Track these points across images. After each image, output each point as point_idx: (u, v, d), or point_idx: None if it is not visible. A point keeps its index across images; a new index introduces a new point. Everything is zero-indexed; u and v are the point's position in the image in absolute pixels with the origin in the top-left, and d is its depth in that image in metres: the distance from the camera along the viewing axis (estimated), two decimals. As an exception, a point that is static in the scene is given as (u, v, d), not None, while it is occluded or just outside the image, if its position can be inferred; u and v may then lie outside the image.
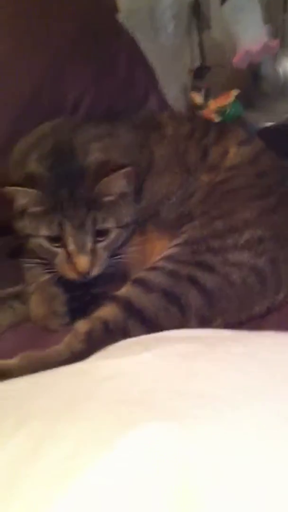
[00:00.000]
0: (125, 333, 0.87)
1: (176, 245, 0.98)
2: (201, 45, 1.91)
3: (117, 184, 0.99)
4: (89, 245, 0.97)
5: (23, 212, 0.99)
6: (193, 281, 0.91)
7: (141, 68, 1.50)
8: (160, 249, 1.02)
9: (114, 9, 1.54)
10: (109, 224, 0.99)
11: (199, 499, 0.44)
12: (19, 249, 1.06)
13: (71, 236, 0.96)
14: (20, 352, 0.88)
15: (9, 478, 0.49)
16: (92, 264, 0.97)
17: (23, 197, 0.98)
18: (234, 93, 1.67)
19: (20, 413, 0.57)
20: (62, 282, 1.02)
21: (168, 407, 0.55)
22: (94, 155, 1.02)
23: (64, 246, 0.97)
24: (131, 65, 1.45)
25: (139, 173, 1.09)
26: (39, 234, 0.98)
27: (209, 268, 0.92)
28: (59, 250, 0.98)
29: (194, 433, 0.50)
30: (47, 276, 1.01)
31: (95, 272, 0.98)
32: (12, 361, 0.86)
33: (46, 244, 0.98)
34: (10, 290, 1.06)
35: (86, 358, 0.82)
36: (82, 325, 0.89)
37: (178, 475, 0.46)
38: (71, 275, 0.98)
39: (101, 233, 0.98)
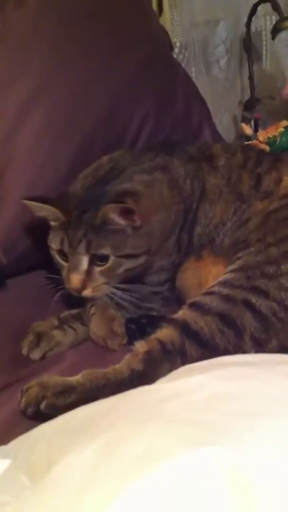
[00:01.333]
0: (182, 354, 0.91)
1: (231, 271, 1.00)
2: (251, 78, 1.95)
3: (113, 216, 1.04)
4: (82, 266, 1.05)
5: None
6: (248, 305, 0.94)
7: (195, 101, 1.55)
8: (216, 274, 1.05)
9: (170, 45, 1.60)
10: (104, 251, 1.05)
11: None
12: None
13: (69, 254, 1.06)
14: (81, 370, 0.91)
15: (84, 475, 0.53)
16: (84, 284, 1.05)
17: (39, 210, 1.09)
18: (284, 124, 1.70)
19: (97, 427, 0.63)
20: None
21: (223, 429, 0.57)
22: (128, 185, 1.09)
23: (67, 261, 1.07)
24: (187, 98, 1.51)
25: (191, 204, 1.16)
26: (51, 246, 1.09)
27: (264, 293, 0.95)
28: (64, 264, 1.08)
29: (249, 456, 0.52)
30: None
31: (88, 292, 1.06)
32: (75, 378, 0.89)
33: (56, 256, 1.09)
34: (71, 311, 1.11)
35: (145, 377, 0.87)
36: (141, 346, 0.92)
37: (236, 492, 0.48)
38: (68, 289, 1.07)
39: (100, 258, 1.05)
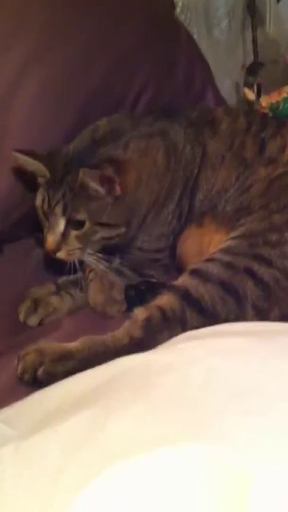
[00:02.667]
0: (182, 322, 0.89)
1: (233, 238, 0.98)
2: (254, 42, 1.90)
3: (90, 182, 1.02)
4: (59, 228, 1.04)
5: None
6: (250, 273, 0.92)
7: (198, 64, 1.51)
8: (218, 241, 1.03)
9: (172, 6, 1.55)
10: (80, 216, 1.03)
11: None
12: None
13: (48, 214, 1.05)
14: (79, 337, 0.90)
15: (65, 452, 0.53)
16: (59, 246, 1.04)
17: (28, 165, 1.09)
18: (287, 89, 1.66)
19: (85, 400, 0.62)
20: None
21: (214, 414, 0.55)
22: (118, 152, 1.07)
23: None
24: (190, 61, 1.47)
25: (192, 169, 1.14)
26: (35, 203, 1.08)
27: (266, 261, 0.93)
28: (46, 223, 1.07)
29: (241, 451, 0.50)
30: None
31: (62, 255, 1.05)
32: (73, 344, 0.88)
33: (40, 213, 1.08)
34: (69, 277, 1.09)
35: (144, 344, 0.85)
36: (141, 313, 0.91)
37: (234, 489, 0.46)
38: (45, 249, 1.06)
39: (76, 223, 1.04)
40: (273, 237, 0.95)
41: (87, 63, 1.26)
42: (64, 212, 1.03)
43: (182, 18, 1.75)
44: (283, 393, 0.58)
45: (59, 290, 1.07)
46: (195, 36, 1.75)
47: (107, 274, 1.05)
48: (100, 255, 1.07)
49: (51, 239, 1.04)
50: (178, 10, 1.73)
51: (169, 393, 0.61)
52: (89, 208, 1.03)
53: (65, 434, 0.56)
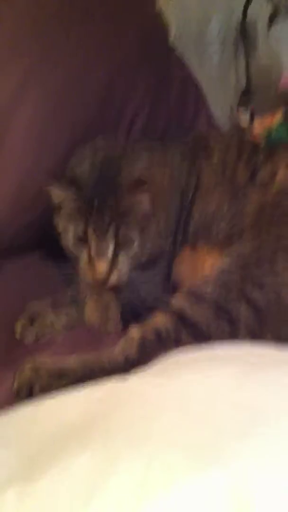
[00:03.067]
0: (176, 343, 0.90)
1: (226, 261, 1.00)
2: (247, 68, 1.94)
3: (143, 201, 1.06)
4: (109, 252, 1.04)
5: (59, 210, 1.09)
6: (243, 296, 0.94)
7: (191, 89, 1.54)
8: (211, 265, 1.05)
9: (167, 32, 1.58)
10: (132, 236, 1.06)
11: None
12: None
13: (93, 241, 1.04)
14: (74, 353, 0.91)
15: (77, 497, 0.50)
16: (110, 271, 1.04)
17: (58, 196, 1.07)
18: (280, 115, 1.69)
19: (84, 435, 0.59)
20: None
21: (224, 445, 0.54)
22: (136, 173, 1.09)
23: (88, 249, 1.05)
24: (183, 86, 1.51)
25: (187, 195, 1.17)
26: (68, 234, 1.07)
27: (259, 285, 0.95)
28: (84, 252, 1.06)
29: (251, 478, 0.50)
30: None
31: (113, 280, 1.05)
32: (68, 362, 0.89)
33: (72, 244, 1.07)
34: (65, 294, 1.10)
35: (139, 363, 0.86)
36: (135, 332, 0.92)
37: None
38: (90, 279, 1.05)
39: (124, 244, 1.05)
40: (265, 260, 0.97)
41: (87, 69, 1.29)
42: (115, 236, 1.04)
43: (175, 45, 1.78)
44: (282, 412, 0.59)
45: (55, 306, 1.08)
46: (188, 62, 1.79)
47: (103, 293, 1.07)
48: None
49: (102, 266, 1.04)
50: (172, 37, 1.77)
51: (173, 429, 0.59)
52: (139, 228, 1.06)
53: (72, 481, 0.52)
